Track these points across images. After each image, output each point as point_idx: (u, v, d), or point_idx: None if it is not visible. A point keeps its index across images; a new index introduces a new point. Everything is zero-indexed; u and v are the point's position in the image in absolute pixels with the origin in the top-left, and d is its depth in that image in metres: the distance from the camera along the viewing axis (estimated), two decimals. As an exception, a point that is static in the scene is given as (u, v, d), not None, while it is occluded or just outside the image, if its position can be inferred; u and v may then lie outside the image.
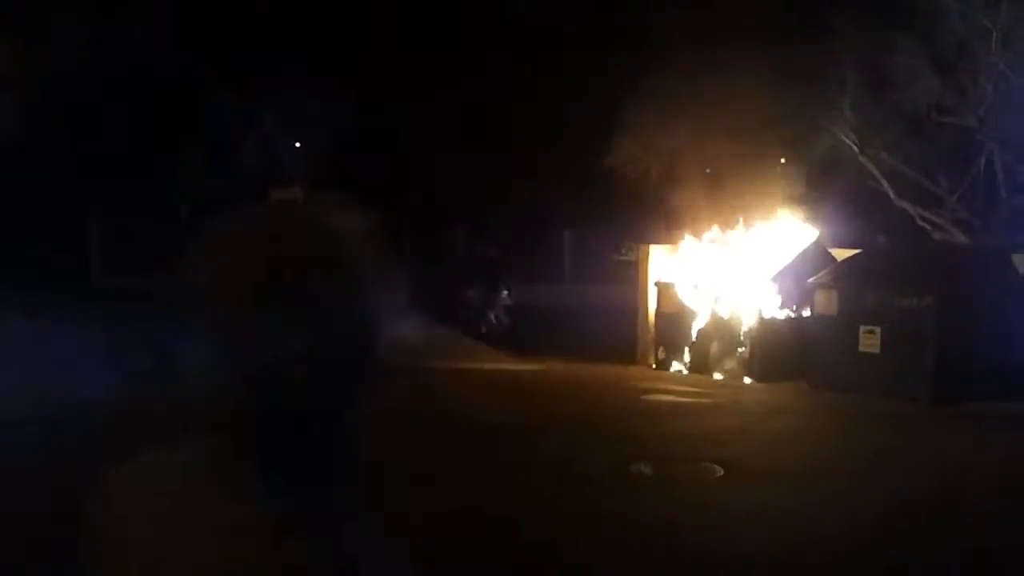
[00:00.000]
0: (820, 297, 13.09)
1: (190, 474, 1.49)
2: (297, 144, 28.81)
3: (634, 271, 15.69)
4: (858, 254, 14.02)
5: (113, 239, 26.72)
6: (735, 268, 14.42)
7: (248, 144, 26.93)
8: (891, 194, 18.14)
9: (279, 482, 1.45)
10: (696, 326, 14.39)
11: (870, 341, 12.33)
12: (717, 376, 14.02)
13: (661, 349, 14.79)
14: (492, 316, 19.04)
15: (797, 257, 14.39)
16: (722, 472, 8.36)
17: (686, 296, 14.58)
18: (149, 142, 25.37)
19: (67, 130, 24.32)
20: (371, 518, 1.54)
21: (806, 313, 13.59)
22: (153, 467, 1.54)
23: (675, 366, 14.55)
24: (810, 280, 13.43)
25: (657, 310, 14.92)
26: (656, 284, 14.96)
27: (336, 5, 27.27)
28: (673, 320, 14.63)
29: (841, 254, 14.31)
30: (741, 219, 15.47)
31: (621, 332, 15.57)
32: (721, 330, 14.11)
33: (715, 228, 15.25)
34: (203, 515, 1.43)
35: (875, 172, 18.02)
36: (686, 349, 14.48)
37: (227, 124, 26.38)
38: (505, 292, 19.55)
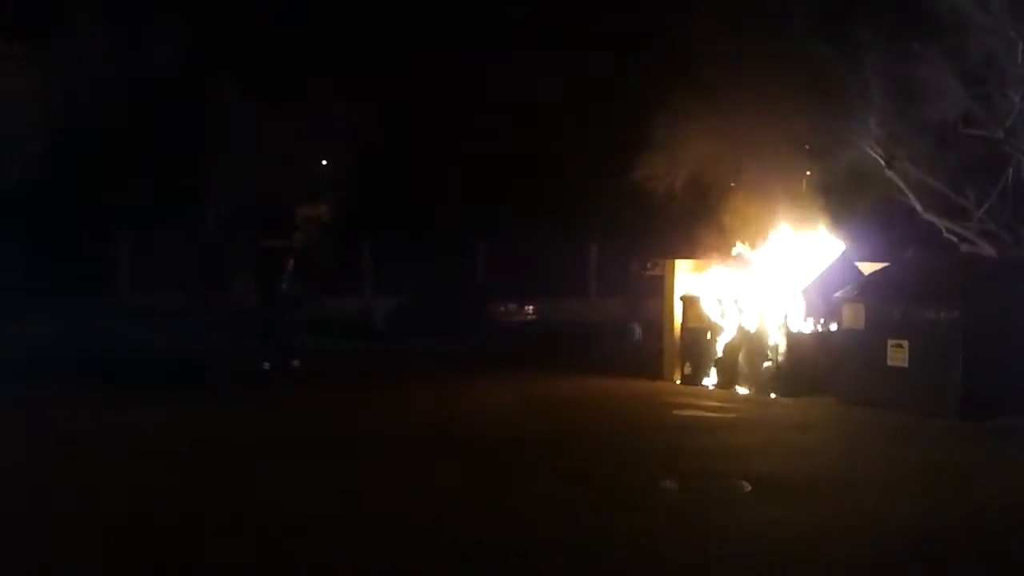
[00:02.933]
0: (847, 311, 13.05)
1: None
2: (324, 162, 28.97)
3: (660, 286, 15.69)
4: (885, 267, 13.96)
5: (142, 254, 26.90)
6: (761, 282, 14.39)
7: (274, 160, 27.10)
8: (918, 207, 18.05)
9: None
10: (722, 341, 14.38)
11: (898, 355, 12.27)
12: (743, 391, 13.99)
13: (687, 364, 14.77)
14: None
15: (824, 271, 14.34)
16: (749, 488, 8.34)
17: (712, 310, 14.56)
18: (176, 159, 25.60)
19: (96, 147, 24.60)
20: None
21: (833, 327, 13.55)
22: None
23: (701, 381, 14.54)
24: (837, 294, 13.39)
25: (683, 325, 14.91)
26: (682, 298, 14.95)
27: (366, 23, 27.48)
28: (699, 335, 14.62)
29: (868, 267, 14.26)
30: (767, 233, 15.43)
31: (647, 347, 15.55)
32: (747, 344, 14.08)
33: (741, 242, 15.22)
34: None
35: (902, 185, 17.95)
36: (712, 364, 14.46)
37: (253, 140, 26.58)
38: None
